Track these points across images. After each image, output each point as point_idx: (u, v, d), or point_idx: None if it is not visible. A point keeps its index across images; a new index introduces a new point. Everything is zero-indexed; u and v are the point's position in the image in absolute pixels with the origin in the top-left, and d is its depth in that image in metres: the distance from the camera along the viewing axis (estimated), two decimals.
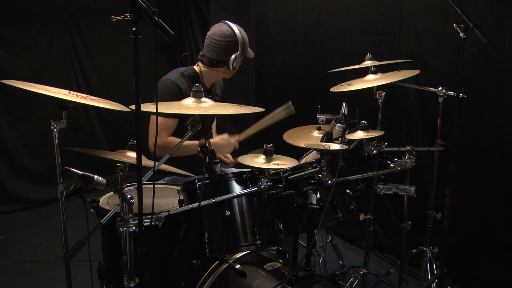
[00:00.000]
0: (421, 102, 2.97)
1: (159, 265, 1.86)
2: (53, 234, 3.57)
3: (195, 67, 2.54)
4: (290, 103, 2.51)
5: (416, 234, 2.38)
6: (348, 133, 1.89)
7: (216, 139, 2.55)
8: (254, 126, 2.58)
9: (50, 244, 3.44)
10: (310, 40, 3.72)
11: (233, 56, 2.41)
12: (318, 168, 1.76)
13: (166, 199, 2.09)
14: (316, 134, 2.40)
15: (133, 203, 1.45)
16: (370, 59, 2.31)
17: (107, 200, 2.02)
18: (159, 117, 2.39)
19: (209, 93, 2.60)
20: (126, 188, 1.55)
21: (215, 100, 2.62)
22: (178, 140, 1.69)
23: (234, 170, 2.54)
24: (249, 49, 2.52)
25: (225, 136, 2.54)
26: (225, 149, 2.56)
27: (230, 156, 2.63)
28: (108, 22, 1.29)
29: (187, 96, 1.68)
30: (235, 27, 2.43)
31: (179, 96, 2.34)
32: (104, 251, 2.01)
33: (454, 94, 2.27)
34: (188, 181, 1.85)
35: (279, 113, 2.50)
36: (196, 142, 1.63)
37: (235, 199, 1.71)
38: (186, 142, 1.60)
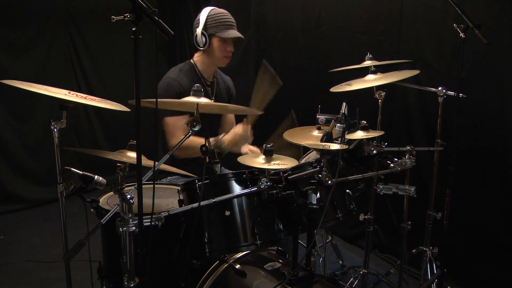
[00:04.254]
0: (421, 102, 2.97)
1: (159, 265, 1.86)
2: (53, 234, 3.57)
3: (191, 60, 2.56)
4: (264, 61, 2.34)
5: (416, 234, 2.38)
6: (348, 133, 1.89)
7: (229, 136, 2.37)
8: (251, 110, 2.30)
9: (50, 244, 3.44)
10: (310, 40, 3.72)
11: (195, 33, 2.40)
12: (318, 168, 1.76)
13: (166, 199, 2.09)
14: (316, 134, 2.40)
15: (133, 203, 1.45)
16: (370, 59, 2.31)
17: (107, 200, 2.02)
18: (172, 118, 2.38)
19: (210, 86, 2.58)
20: (126, 188, 1.55)
21: (217, 96, 2.61)
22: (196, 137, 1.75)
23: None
24: (230, 30, 2.40)
25: (237, 129, 2.38)
26: (242, 143, 2.39)
27: (251, 148, 2.54)
28: (108, 22, 1.29)
29: (189, 91, 1.66)
30: (204, 10, 2.41)
31: (182, 92, 2.35)
32: (104, 251, 2.01)
33: (454, 94, 2.27)
34: (188, 181, 1.84)
35: (264, 84, 2.29)
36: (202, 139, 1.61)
37: (235, 199, 1.71)
38: (192, 140, 1.63)
